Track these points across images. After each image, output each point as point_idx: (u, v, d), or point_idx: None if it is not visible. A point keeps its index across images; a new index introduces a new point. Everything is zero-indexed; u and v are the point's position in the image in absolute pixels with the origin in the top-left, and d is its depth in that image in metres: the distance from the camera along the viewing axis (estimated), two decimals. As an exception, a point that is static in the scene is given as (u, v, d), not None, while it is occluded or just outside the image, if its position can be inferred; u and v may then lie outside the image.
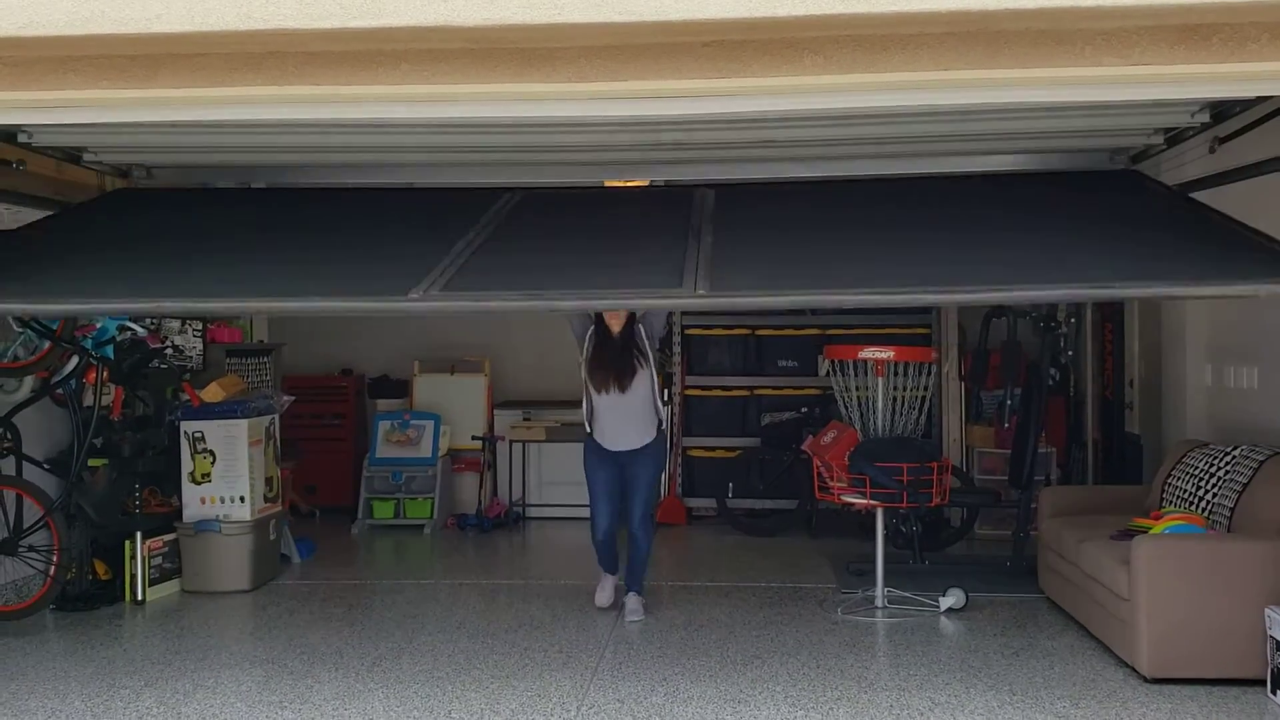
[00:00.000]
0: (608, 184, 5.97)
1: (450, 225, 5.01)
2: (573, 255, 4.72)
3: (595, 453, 5.94)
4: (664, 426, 6.06)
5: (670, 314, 7.93)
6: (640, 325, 5.81)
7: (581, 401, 5.97)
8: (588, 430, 5.95)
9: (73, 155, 5.64)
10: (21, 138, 5.12)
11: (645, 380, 5.79)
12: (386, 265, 4.57)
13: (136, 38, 3.32)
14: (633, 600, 5.96)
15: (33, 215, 5.76)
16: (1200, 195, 5.33)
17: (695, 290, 4.09)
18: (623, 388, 5.75)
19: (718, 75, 3.40)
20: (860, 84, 3.42)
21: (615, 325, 5.76)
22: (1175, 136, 5.30)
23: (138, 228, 5.40)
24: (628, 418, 5.82)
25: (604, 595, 6.07)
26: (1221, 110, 4.79)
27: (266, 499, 6.89)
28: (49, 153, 5.49)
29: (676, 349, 8.92)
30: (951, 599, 5.97)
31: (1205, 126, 5.02)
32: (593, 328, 5.84)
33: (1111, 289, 4.22)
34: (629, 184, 6.03)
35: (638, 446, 5.87)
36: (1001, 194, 5.25)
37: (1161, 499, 5.76)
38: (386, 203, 5.81)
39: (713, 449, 8.90)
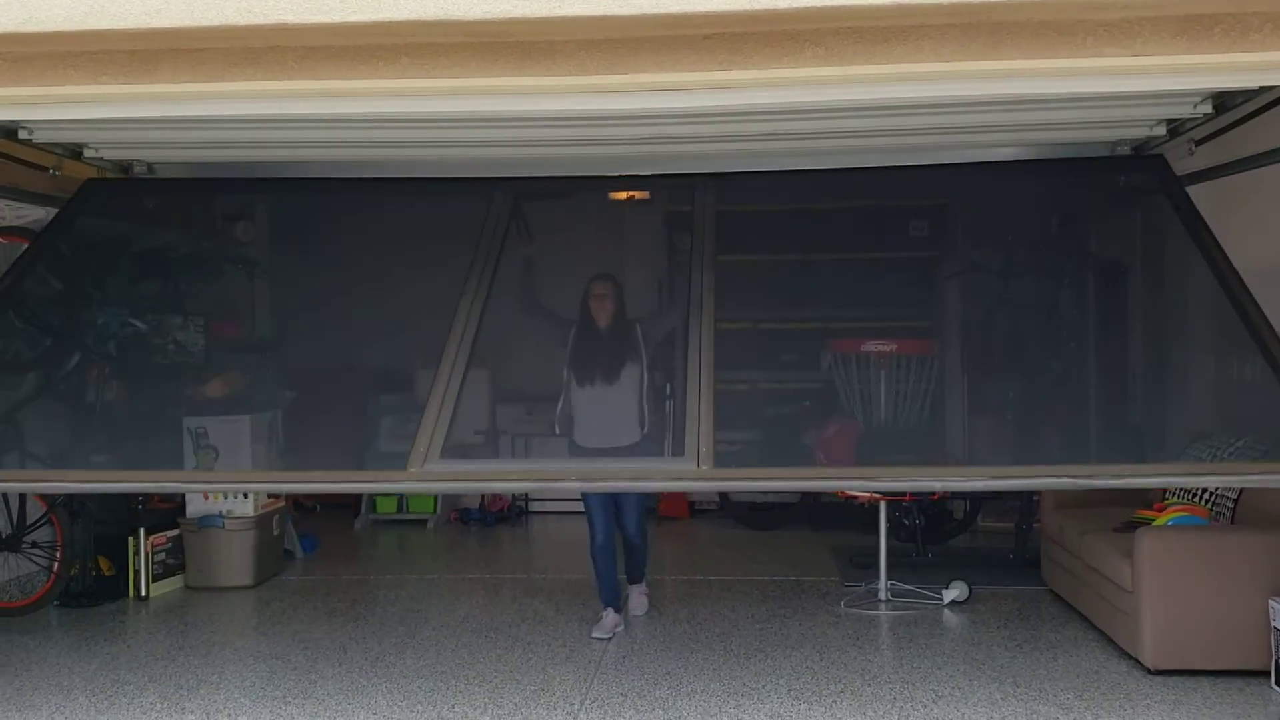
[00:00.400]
0: (607, 176, 5.96)
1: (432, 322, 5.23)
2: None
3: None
4: (646, 429, 5.57)
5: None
6: (638, 326, 5.51)
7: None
8: (557, 432, 5.64)
9: (73, 151, 5.63)
10: (22, 134, 5.10)
11: (634, 375, 5.43)
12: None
13: (136, 33, 3.31)
14: (636, 594, 5.95)
15: (34, 212, 5.76)
16: (1202, 187, 5.33)
17: (699, 465, 4.13)
18: (608, 380, 5.41)
19: (718, 68, 3.39)
20: (861, 76, 3.41)
21: (602, 318, 5.46)
22: (1176, 128, 5.29)
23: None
24: (613, 412, 5.46)
25: (603, 629, 5.57)
26: (1223, 101, 4.78)
27: (269, 494, 6.90)
28: (49, 149, 5.48)
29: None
30: (955, 592, 5.98)
31: (1208, 117, 5.01)
32: (575, 327, 5.53)
33: (1125, 479, 4.25)
34: (629, 175, 6.02)
35: (624, 444, 5.42)
36: (996, 231, 5.32)
37: (1165, 491, 5.75)
38: (377, 217, 5.87)
39: (715, 443, 8.87)
